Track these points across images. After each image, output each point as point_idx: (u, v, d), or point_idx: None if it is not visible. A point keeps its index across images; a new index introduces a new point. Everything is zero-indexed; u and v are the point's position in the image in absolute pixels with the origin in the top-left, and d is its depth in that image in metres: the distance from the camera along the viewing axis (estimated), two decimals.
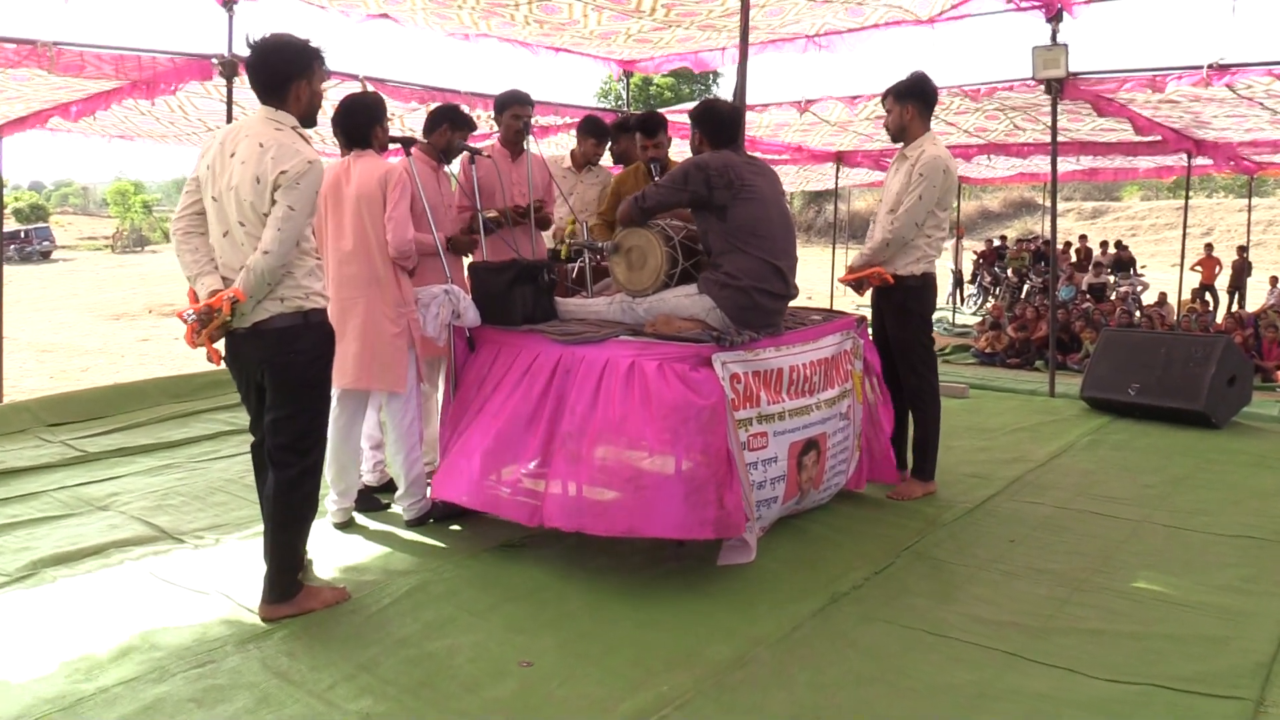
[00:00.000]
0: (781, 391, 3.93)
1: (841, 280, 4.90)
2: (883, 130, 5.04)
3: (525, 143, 5.08)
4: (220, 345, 3.25)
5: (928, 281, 4.68)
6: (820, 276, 17.71)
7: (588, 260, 4.73)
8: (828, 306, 5.14)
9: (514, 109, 5.11)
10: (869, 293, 4.80)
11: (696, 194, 3.89)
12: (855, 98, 8.84)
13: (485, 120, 9.30)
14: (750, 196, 3.87)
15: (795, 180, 15.40)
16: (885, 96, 4.70)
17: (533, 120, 5.22)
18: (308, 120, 3.30)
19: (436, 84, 8.07)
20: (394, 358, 4.15)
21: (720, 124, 4.10)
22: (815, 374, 4.12)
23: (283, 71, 3.19)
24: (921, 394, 4.72)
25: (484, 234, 4.73)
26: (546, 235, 5.46)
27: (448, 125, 4.75)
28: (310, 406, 3.29)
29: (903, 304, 4.65)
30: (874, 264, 4.65)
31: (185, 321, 3.15)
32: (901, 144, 4.69)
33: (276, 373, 3.23)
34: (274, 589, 3.35)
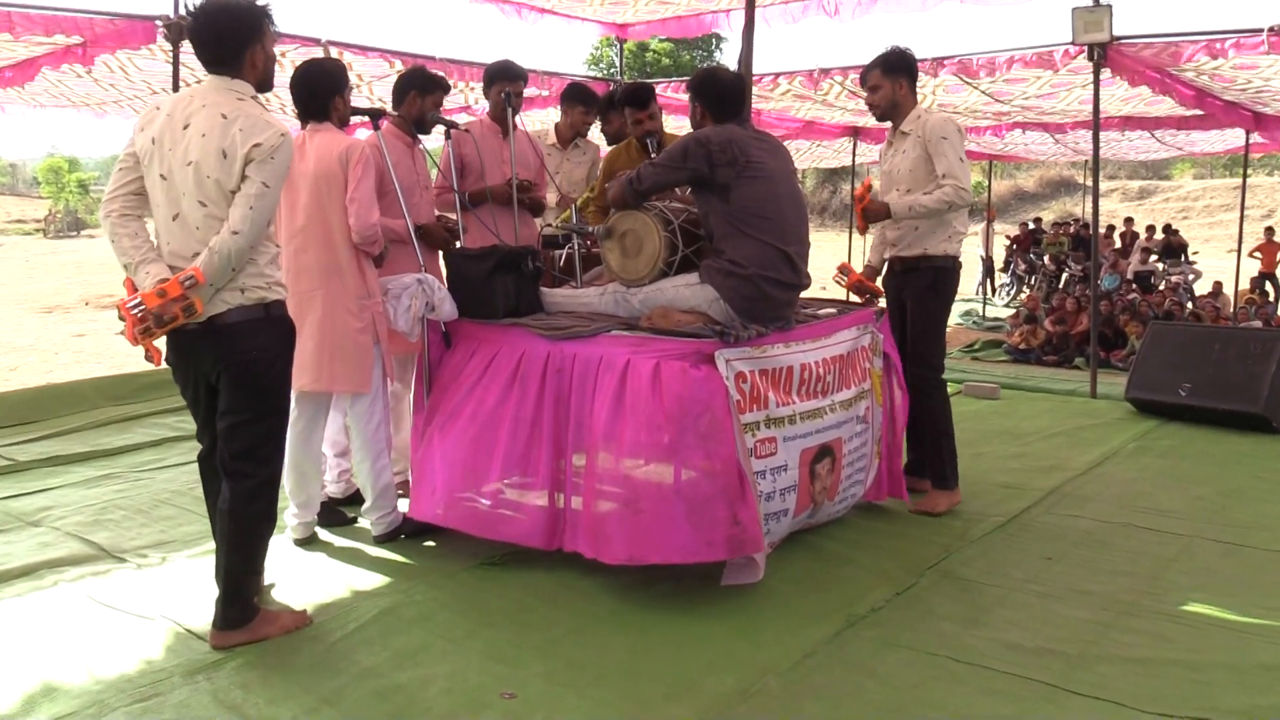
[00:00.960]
0: (792, 392, 3.94)
1: (847, 282, 4.94)
2: None
3: (512, 116, 5.08)
4: (162, 343, 3.25)
5: (956, 265, 4.76)
6: (834, 264, 17.72)
7: (577, 246, 4.74)
8: (843, 298, 5.14)
9: (502, 84, 5.11)
10: (876, 277, 4.91)
11: (697, 172, 3.90)
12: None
13: (466, 92, 9.31)
14: (756, 175, 3.88)
15: (807, 157, 15.44)
16: (870, 71, 4.75)
17: (522, 92, 5.23)
18: (264, 86, 3.32)
19: (407, 49, 8.08)
20: (358, 355, 4.16)
21: (723, 95, 4.11)
22: (829, 373, 4.13)
23: (234, 38, 3.20)
24: (931, 390, 4.78)
25: (460, 214, 4.74)
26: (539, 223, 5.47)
27: (415, 92, 4.76)
28: (270, 410, 3.30)
29: (932, 286, 4.72)
30: (909, 216, 4.62)
31: (127, 315, 3.12)
32: (891, 123, 4.78)
33: (234, 373, 3.23)
34: (227, 613, 3.35)
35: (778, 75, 9.63)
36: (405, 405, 4.85)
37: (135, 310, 3.10)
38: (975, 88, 9.28)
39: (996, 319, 14.96)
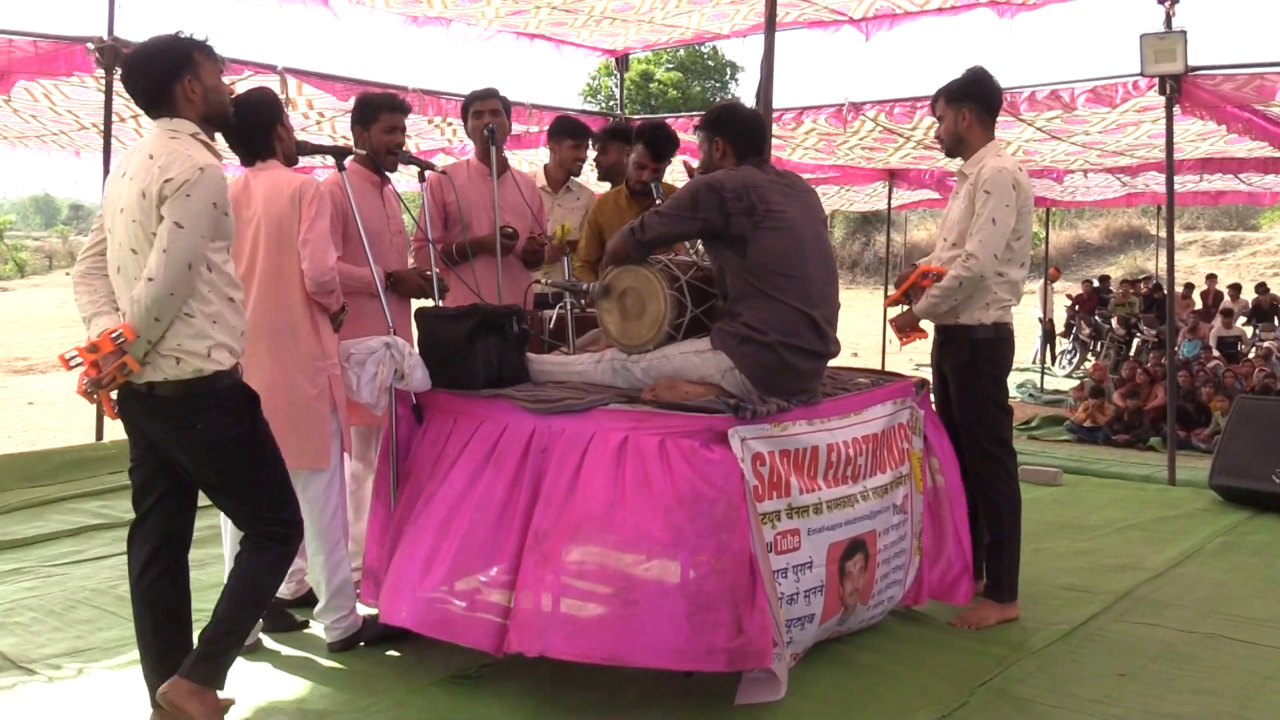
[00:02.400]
0: (818, 477, 3.95)
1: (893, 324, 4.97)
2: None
3: (496, 152, 5.14)
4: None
5: (1002, 333, 4.73)
6: (867, 327, 17.81)
7: (569, 306, 4.79)
8: (878, 366, 5.17)
9: (474, 107, 5.22)
10: (915, 345, 4.90)
11: (709, 222, 3.96)
12: (918, 101, 8.96)
13: (443, 127, 9.46)
14: (778, 225, 3.94)
15: (835, 200, 15.59)
16: (935, 100, 4.85)
17: (503, 119, 5.31)
18: (217, 120, 3.50)
19: (376, 77, 8.21)
20: (312, 426, 4.19)
21: (744, 131, 4.20)
22: (861, 454, 4.15)
23: (157, 77, 3.38)
24: (993, 482, 4.74)
25: (438, 270, 4.79)
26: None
27: (358, 126, 4.87)
28: (241, 476, 3.44)
29: (970, 362, 4.71)
30: (935, 312, 4.71)
31: (71, 365, 3.27)
32: (960, 160, 4.82)
33: (187, 448, 3.38)
34: (198, 667, 3.39)
35: (801, 111, 9.78)
36: (367, 489, 4.86)
37: (72, 361, 3.26)
38: (1029, 124, 9.41)
39: (1057, 391, 14.98)
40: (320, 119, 8.72)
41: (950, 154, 4.87)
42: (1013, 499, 4.76)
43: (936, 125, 4.89)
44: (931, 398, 4.89)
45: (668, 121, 9.32)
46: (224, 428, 3.37)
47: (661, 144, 5.40)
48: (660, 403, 3.86)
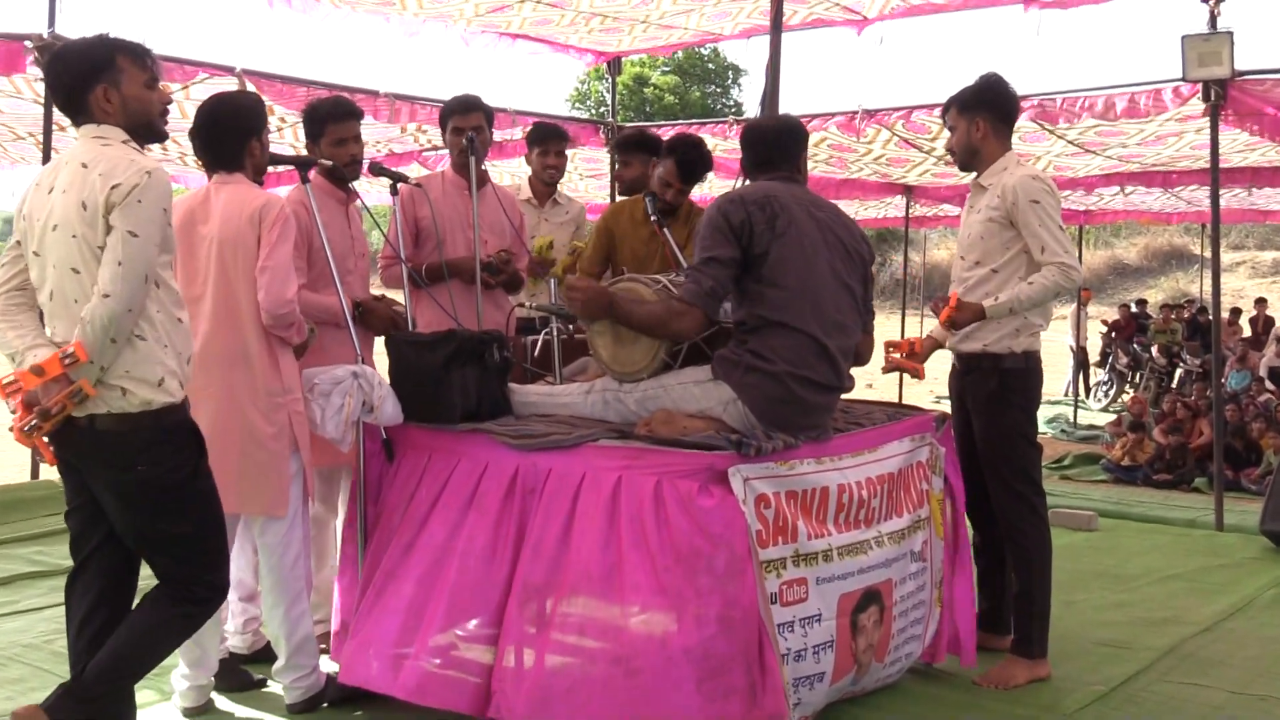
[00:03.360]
0: (828, 521, 3.95)
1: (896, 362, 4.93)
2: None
3: (476, 165, 5.16)
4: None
5: (1033, 363, 4.75)
6: (883, 356, 17.76)
7: (555, 331, 4.79)
8: (894, 399, 5.18)
9: (453, 119, 5.23)
10: (936, 376, 4.90)
11: (743, 232, 3.93)
12: (938, 107, 9.00)
13: (418, 135, 9.49)
14: (796, 242, 3.97)
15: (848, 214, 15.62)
16: (947, 109, 4.90)
17: (485, 134, 5.33)
18: (141, 131, 3.50)
19: (344, 80, 8.23)
20: (269, 468, 4.18)
21: (758, 143, 4.29)
22: (876, 496, 4.15)
23: (70, 83, 3.42)
24: (1020, 525, 4.73)
25: (410, 292, 4.81)
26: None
27: (308, 140, 4.89)
28: (179, 530, 3.42)
29: (997, 393, 4.71)
30: (1004, 315, 4.64)
31: (8, 392, 3.26)
32: (974, 173, 4.87)
33: (122, 491, 3.34)
34: (62, 703, 3.35)
35: (810, 119, 9.82)
36: (330, 534, 4.85)
37: (9, 388, 3.25)
38: (1060, 136, 9.45)
39: (1092, 427, 15.00)
40: (282, 125, 8.74)
41: (964, 167, 4.91)
42: (1042, 544, 4.75)
43: (950, 136, 4.92)
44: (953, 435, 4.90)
45: (662, 130, 9.39)
46: (168, 471, 3.36)
47: (695, 165, 5.40)
48: (656, 439, 3.86)
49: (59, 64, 3.45)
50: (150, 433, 3.31)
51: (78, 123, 3.44)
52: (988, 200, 4.72)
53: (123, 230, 3.23)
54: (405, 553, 4.07)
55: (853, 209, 14.99)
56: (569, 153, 10.08)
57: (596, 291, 4.02)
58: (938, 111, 8.83)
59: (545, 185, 6.18)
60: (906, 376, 5.06)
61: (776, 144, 4.28)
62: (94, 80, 3.39)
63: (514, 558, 3.83)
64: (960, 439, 4.90)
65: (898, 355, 4.80)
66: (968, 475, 4.85)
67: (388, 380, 4.31)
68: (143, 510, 3.36)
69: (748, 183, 4.27)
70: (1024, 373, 4.72)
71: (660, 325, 3.98)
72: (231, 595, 4.70)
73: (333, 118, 4.83)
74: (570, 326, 4.83)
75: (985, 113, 4.77)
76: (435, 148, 10.05)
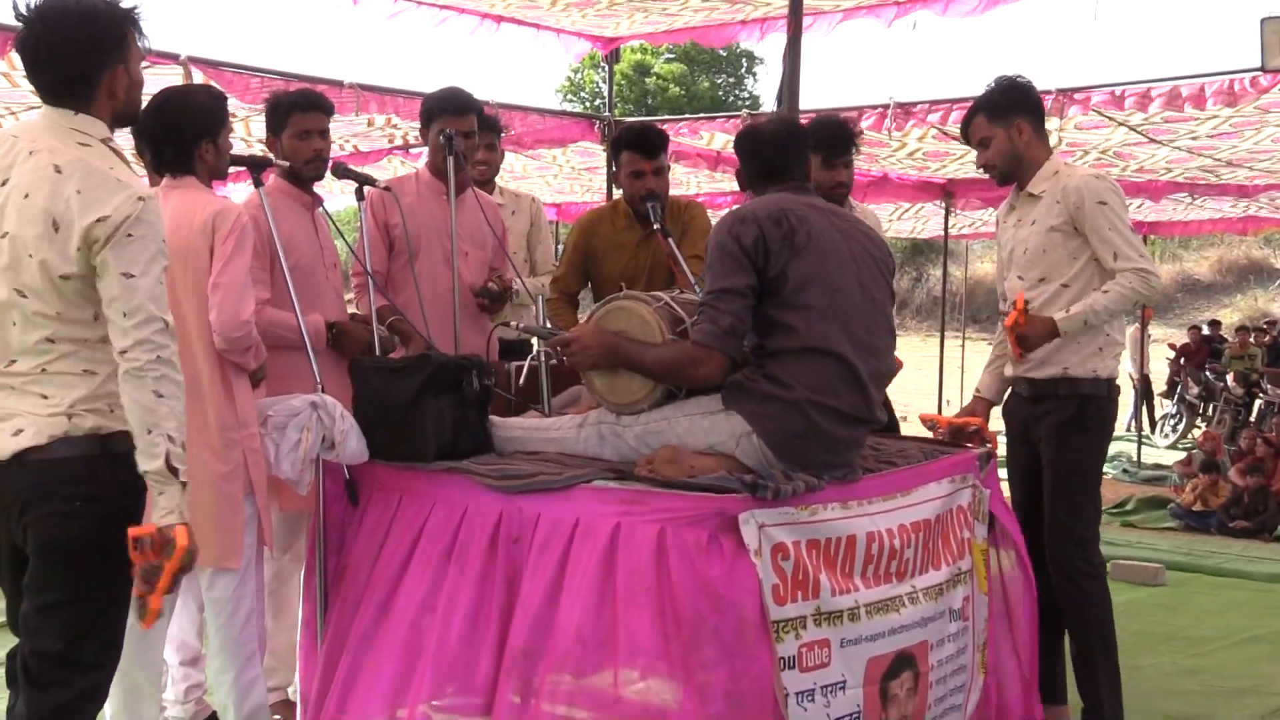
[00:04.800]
0: (854, 574, 3.95)
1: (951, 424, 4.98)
2: None
3: (456, 168, 5.15)
4: None
5: (1112, 391, 4.83)
6: (920, 382, 17.83)
7: (543, 356, 4.80)
8: (932, 435, 5.18)
9: (442, 121, 5.22)
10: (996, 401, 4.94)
11: (757, 253, 3.91)
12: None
13: (391, 133, 9.51)
14: (817, 254, 3.97)
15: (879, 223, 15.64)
16: (971, 121, 4.92)
17: (475, 139, 5.34)
18: (125, 120, 3.42)
19: (305, 70, 8.24)
20: (220, 512, 4.18)
21: (767, 150, 4.27)
22: (910, 546, 4.15)
23: (87, 55, 3.23)
24: (1077, 579, 4.74)
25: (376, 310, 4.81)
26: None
27: (271, 135, 4.92)
28: (98, 591, 3.30)
29: (1076, 419, 4.74)
30: (1078, 328, 4.67)
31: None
32: (1018, 185, 4.89)
33: (47, 533, 3.23)
34: None
35: (837, 113, 9.85)
36: (294, 588, 4.85)
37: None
38: (1122, 123, 9.47)
39: (1158, 466, 15.00)
40: (233, 118, 8.76)
41: (1005, 180, 4.93)
42: (1102, 598, 4.78)
43: (981, 153, 4.92)
44: (1002, 474, 4.90)
45: (667, 125, 9.42)
46: (109, 513, 3.24)
47: (649, 136, 5.50)
48: (659, 480, 3.83)
49: (67, 29, 3.18)
50: (96, 462, 3.23)
51: (56, 104, 3.26)
52: (1043, 210, 4.73)
53: (117, 272, 3.12)
54: (381, 614, 4.06)
55: (884, 214, 15.00)
56: (563, 151, 10.08)
57: (599, 340, 4.02)
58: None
59: (477, 184, 6.16)
60: (951, 408, 5.08)
61: (782, 149, 4.26)
62: (111, 56, 3.24)
63: (503, 619, 3.82)
64: (1017, 478, 4.90)
65: (945, 426, 4.87)
66: (1024, 511, 4.88)
67: (351, 412, 4.31)
68: (70, 556, 3.22)
69: (752, 198, 4.24)
70: (1104, 400, 4.79)
71: (675, 373, 4.01)
72: (172, 659, 4.71)
73: (298, 107, 4.86)
74: (560, 350, 4.83)
75: (1024, 115, 4.81)
76: (408, 146, 10.08)
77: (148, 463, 3.16)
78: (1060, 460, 4.77)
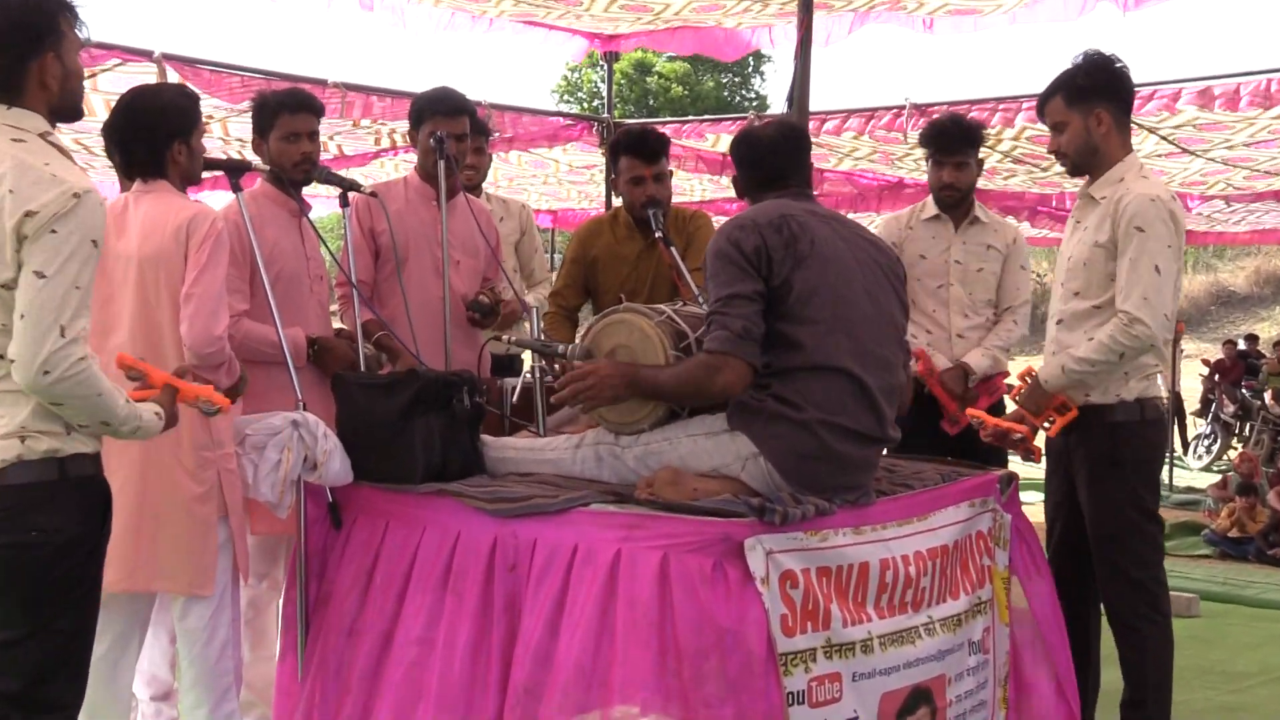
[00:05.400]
0: (867, 603, 3.94)
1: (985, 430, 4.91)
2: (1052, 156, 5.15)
3: (446, 172, 5.14)
4: None
5: (1150, 412, 4.69)
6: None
7: (537, 372, 4.80)
8: (949, 457, 5.17)
9: (432, 123, 5.20)
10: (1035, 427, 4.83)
11: (759, 260, 3.91)
12: (1001, 103, 9.02)
13: (380, 133, 9.52)
14: (821, 262, 3.97)
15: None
16: (1047, 100, 4.74)
17: (468, 143, 5.34)
18: (66, 114, 3.38)
19: (286, 69, 8.25)
20: (193, 537, 4.19)
21: (766, 155, 4.28)
22: (927, 574, 4.14)
23: (12, 44, 3.21)
24: (1136, 624, 4.67)
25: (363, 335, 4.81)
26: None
27: (257, 137, 4.92)
28: (60, 625, 3.28)
29: (1108, 456, 4.64)
30: (1074, 388, 4.64)
31: None
32: (1086, 180, 4.77)
33: (1, 565, 3.21)
34: None
35: (847, 114, 9.85)
36: (272, 616, 4.84)
37: None
38: (1151, 130, 9.46)
39: (1191, 489, 14.97)
40: (209, 121, 8.76)
41: (1077, 171, 4.79)
42: (1163, 645, 4.68)
43: (1053, 137, 4.77)
44: (1024, 497, 4.88)
45: (669, 128, 9.42)
46: (68, 543, 3.23)
47: (648, 140, 5.52)
48: (660, 503, 3.83)
49: None
50: (53, 487, 3.20)
51: None
52: (1096, 219, 4.61)
53: (30, 271, 3.07)
54: (381, 648, 4.06)
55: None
56: (556, 152, 10.05)
57: (618, 371, 4.00)
58: (1006, 107, 8.95)
59: (465, 189, 6.14)
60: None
61: (781, 153, 4.27)
62: (39, 47, 3.21)
63: (503, 653, 3.82)
64: (1050, 507, 4.89)
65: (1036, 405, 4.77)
66: (1061, 540, 4.86)
67: (335, 431, 4.31)
68: (26, 590, 3.20)
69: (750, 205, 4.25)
70: (1139, 426, 4.65)
71: (694, 388, 3.97)
72: (142, 693, 4.70)
73: (286, 108, 4.87)
74: (556, 366, 4.82)
75: (1107, 102, 4.62)
76: (395, 148, 10.09)
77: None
78: (1100, 506, 4.67)
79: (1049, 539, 5.00)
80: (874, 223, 14.39)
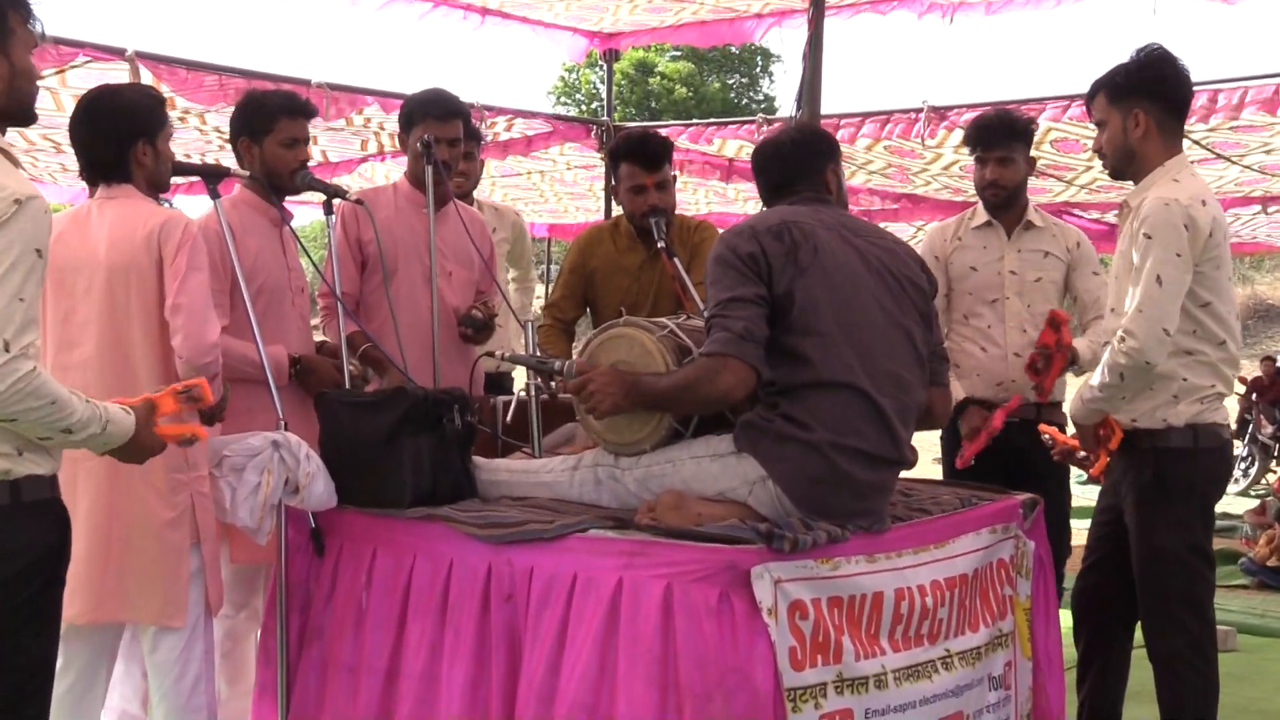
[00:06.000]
0: (881, 635, 3.94)
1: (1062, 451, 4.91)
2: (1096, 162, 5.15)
3: (435, 178, 5.14)
4: None
5: (1205, 440, 4.58)
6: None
7: (533, 390, 4.80)
8: (971, 482, 5.16)
9: (424, 126, 5.19)
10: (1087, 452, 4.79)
11: (760, 266, 3.91)
12: (1028, 104, 9.02)
13: (366, 135, 9.53)
14: (828, 273, 3.96)
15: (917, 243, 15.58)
16: (1093, 97, 4.71)
17: (459, 148, 5.34)
18: (15, 116, 3.38)
19: (266, 68, 8.22)
20: (163, 564, 4.18)
21: (778, 161, 4.31)
22: (945, 604, 4.14)
23: None
24: (1176, 666, 4.62)
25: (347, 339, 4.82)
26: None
27: (245, 138, 4.89)
28: (18, 659, 3.28)
29: (1155, 485, 4.58)
30: (1089, 419, 4.61)
31: None
32: (1132, 184, 4.72)
33: None
34: None
35: (863, 118, 9.83)
36: (248, 649, 4.83)
37: None
38: (1184, 135, 9.47)
39: (1227, 515, 14.92)
40: (185, 117, 8.76)
41: (1117, 175, 4.77)
42: (1206, 691, 4.63)
43: (1097, 134, 4.73)
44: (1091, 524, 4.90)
45: (672, 132, 9.41)
46: (26, 571, 3.22)
47: (650, 145, 5.52)
48: (663, 529, 3.83)
49: None
50: (7, 511, 3.18)
51: None
52: (1127, 227, 4.57)
53: None
54: (388, 686, 4.07)
55: (918, 236, 14.93)
56: (553, 151, 10.04)
57: (617, 379, 3.97)
58: (1036, 108, 8.93)
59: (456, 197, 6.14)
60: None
61: (789, 158, 4.29)
62: None
63: (504, 691, 3.83)
64: (1102, 514, 4.88)
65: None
66: (1099, 562, 4.86)
67: (318, 452, 4.31)
68: None
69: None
70: (1191, 454, 4.56)
71: (692, 394, 3.94)
72: None
73: (287, 111, 4.88)
74: (553, 383, 4.82)
75: (1146, 100, 4.54)
76: (383, 153, 10.09)
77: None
78: (1146, 541, 4.61)
79: (1085, 557, 4.98)
80: (916, 238, 14.46)
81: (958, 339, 5.79)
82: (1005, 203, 5.66)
